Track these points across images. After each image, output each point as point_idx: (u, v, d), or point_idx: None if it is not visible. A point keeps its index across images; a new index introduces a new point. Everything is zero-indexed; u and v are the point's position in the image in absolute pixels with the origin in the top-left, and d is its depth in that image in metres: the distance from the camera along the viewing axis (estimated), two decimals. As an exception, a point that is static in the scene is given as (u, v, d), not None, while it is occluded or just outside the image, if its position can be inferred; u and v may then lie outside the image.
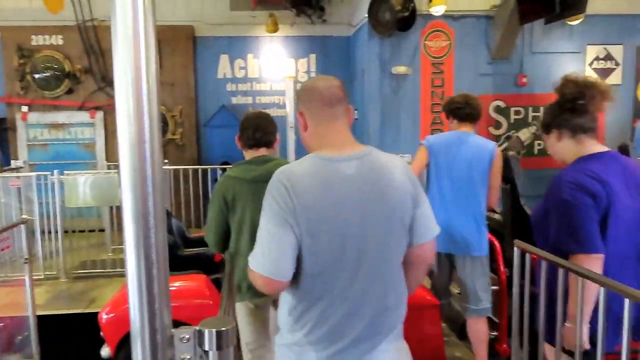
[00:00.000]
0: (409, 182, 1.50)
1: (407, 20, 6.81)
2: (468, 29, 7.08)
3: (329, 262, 1.42)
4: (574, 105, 2.00)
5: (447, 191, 2.94)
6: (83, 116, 7.64)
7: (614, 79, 7.42)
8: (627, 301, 1.59)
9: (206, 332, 0.77)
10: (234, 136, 2.60)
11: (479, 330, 3.01)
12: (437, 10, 6.59)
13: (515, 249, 2.05)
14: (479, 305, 2.99)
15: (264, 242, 1.42)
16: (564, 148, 2.07)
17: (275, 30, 7.64)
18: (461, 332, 3.57)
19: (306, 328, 1.45)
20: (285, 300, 1.51)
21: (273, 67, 8.07)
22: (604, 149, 2.04)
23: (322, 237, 1.40)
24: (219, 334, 0.77)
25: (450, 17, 7.00)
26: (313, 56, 8.14)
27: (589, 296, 1.81)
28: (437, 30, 7.03)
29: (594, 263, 1.83)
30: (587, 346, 1.86)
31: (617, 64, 7.40)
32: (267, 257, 1.39)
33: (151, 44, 0.72)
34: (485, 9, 6.99)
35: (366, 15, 6.81)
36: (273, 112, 8.14)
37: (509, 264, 3.35)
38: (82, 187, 5.23)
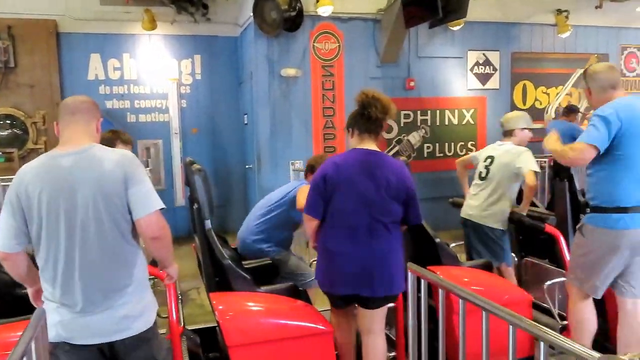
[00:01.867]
0: (120, 171, 1.88)
1: (294, 21, 6.51)
2: (356, 31, 6.97)
3: (51, 234, 1.85)
4: (363, 112, 2.53)
5: None
6: None
7: (492, 83, 7.76)
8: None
9: None
10: (109, 144, 2.40)
11: None
12: (324, 10, 6.38)
13: (409, 273, 1.77)
14: None
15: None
16: (352, 142, 2.63)
17: (153, 27, 6.95)
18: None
19: (46, 285, 1.91)
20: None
21: (153, 68, 7.35)
22: (369, 146, 2.57)
23: (41, 215, 1.84)
24: None
25: (338, 19, 6.84)
26: (198, 57, 7.55)
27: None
28: (326, 32, 6.83)
29: (309, 221, 2.59)
30: None
31: (494, 69, 7.75)
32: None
33: None
34: (372, 12, 6.92)
35: (251, 14, 6.41)
36: (155, 118, 7.43)
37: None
38: None
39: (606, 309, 3.42)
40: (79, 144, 1.91)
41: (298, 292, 2.79)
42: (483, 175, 3.84)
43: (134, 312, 1.92)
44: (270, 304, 2.66)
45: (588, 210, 2.71)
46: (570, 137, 5.87)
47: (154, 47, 7.32)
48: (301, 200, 3.07)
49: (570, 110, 6.79)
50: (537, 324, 1.60)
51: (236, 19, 7.43)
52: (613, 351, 3.35)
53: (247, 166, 7.34)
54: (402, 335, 2.92)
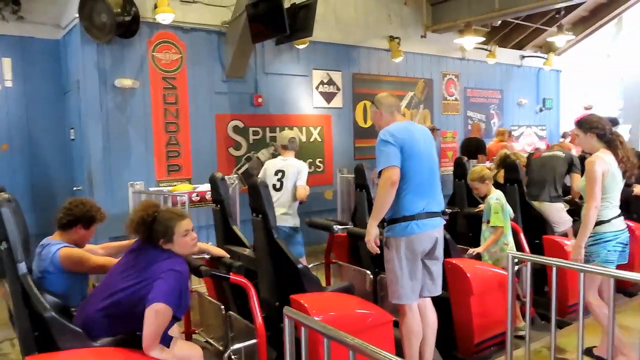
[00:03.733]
0: None
1: (129, 27, 5.90)
2: (200, 43, 6.60)
3: None
4: None
5: None
6: None
7: (336, 102, 8.02)
8: None
9: None
10: None
11: None
12: (164, 18, 5.90)
13: (286, 320, 1.53)
14: None
15: None
16: None
17: (-54, 21, 5.70)
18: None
19: None
20: None
21: (-53, 71, 6.02)
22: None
23: None
24: None
25: (180, 29, 6.40)
26: (8, 61, 6.37)
27: None
28: (167, 42, 6.33)
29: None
30: None
31: (338, 89, 8.02)
32: None
33: None
34: (216, 24, 6.63)
35: (77, 15, 5.63)
36: (-50, 131, 6.07)
37: (265, 306, 2.91)
38: None
39: (452, 319, 3.63)
40: None
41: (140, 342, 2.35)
42: (278, 187, 4.66)
43: None
44: (108, 360, 2.19)
45: (386, 224, 3.03)
46: None
47: (-53, 46, 6.01)
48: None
49: (432, 130, 7.77)
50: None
51: (57, 19, 6.48)
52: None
53: (74, 187, 6.40)
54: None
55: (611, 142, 3.26)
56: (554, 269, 2.75)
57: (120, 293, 2.31)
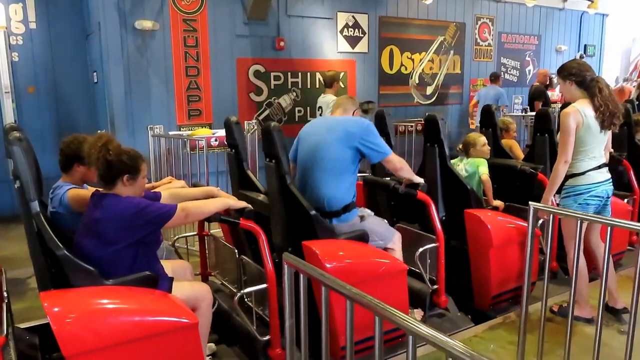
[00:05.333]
0: None
1: (149, -35, 5.74)
2: (221, -17, 6.40)
3: None
4: None
5: None
6: None
7: (362, 47, 7.74)
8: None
9: None
10: None
11: None
12: (184, -44, 5.70)
13: (285, 266, 1.50)
14: None
15: None
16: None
17: (-34, -40, 5.64)
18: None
19: None
20: None
21: (-28, 12, 6.02)
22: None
23: None
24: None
25: (200, -32, 6.19)
26: (31, 2, 6.33)
27: None
28: (187, -18, 6.15)
29: None
30: None
31: (363, 33, 7.73)
32: None
33: None
34: (237, -38, 6.39)
35: (96, -47, 5.49)
36: (-24, 73, 6.13)
37: (278, 251, 2.91)
38: None
39: (470, 270, 3.58)
40: None
41: (156, 281, 2.39)
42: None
43: None
44: (119, 298, 2.23)
45: None
46: (494, 99, 7.73)
47: (-31, -14, 5.98)
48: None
49: (497, 77, 8.21)
50: (400, 315, 1.38)
51: (78, -41, 6.36)
52: (479, 312, 3.53)
53: (99, 131, 6.48)
54: (276, 317, 2.70)
55: (589, 89, 3.06)
56: (578, 223, 2.63)
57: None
